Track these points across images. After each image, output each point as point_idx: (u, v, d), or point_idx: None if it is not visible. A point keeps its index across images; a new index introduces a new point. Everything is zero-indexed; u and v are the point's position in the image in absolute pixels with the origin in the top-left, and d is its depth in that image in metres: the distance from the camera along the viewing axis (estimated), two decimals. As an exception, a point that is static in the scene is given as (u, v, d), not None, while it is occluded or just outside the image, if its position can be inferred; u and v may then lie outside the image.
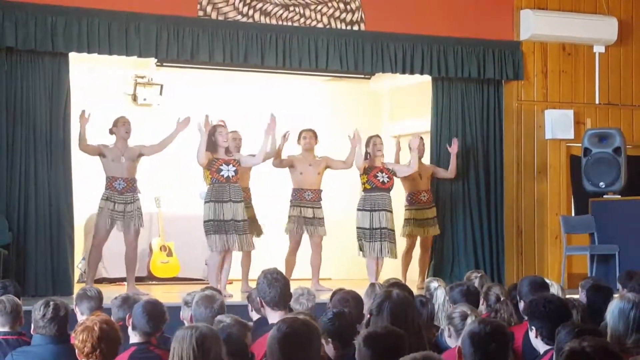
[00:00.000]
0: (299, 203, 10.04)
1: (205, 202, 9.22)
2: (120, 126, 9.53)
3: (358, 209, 9.99)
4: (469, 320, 4.83)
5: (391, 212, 9.95)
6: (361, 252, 9.97)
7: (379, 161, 10.04)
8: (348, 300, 5.54)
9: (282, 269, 5.86)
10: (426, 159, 11.09)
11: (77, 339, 4.41)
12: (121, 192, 9.42)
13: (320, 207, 10.08)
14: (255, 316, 6.04)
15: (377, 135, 10.26)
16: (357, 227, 9.97)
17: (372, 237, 9.84)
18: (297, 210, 10.01)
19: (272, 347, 3.34)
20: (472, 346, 3.50)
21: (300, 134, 10.19)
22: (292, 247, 10.05)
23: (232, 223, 9.13)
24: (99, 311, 5.38)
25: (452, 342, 4.94)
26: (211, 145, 9.28)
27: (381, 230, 9.85)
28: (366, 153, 10.07)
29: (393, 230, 9.94)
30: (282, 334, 3.35)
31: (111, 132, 9.56)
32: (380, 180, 9.92)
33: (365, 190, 10.00)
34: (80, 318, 5.40)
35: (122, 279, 10.55)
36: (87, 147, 9.40)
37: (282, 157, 9.99)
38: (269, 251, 10.04)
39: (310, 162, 10.11)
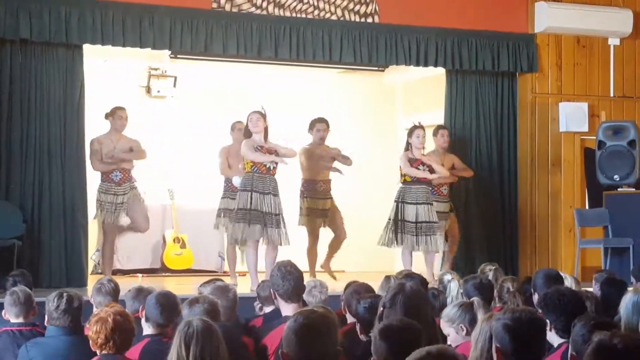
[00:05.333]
0: (311, 195, 10.05)
1: (242, 190, 8.91)
2: (117, 119, 9.59)
3: (397, 201, 9.67)
4: (475, 307, 4.79)
5: (432, 204, 9.69)
6: (386, 244, 9.68)
7: (419, 153, 9.74)
8: (360, 292, 5.53)
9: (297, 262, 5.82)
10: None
11: (91, 329, 4.43)
12: (119, 183, 9.54)
13: (330, 198, 10.09)
14: (267, 308, 6.04)
15: (421, 127, 9.77)
16: (393, 219, 9.63)
17: (410, 230, 9.56)
18: (308, 202, 10.02)
19: (288, 338, 3.35)
20: (512, 339, 3.46)
21: (313, 125, 10.15)
22: (312, 241, 10.06)
23: (269, 216, 8.80)
24: (114, 303, 5.38)
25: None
26: (247, 132, 9.08)
27: (422, 224, 9.56)
28: (407, 144, 9.81)
29: (436, 222, 9.64)
30: (299, 325, 3.35)
31: (107, 118, 9.62)
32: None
33: (405, 182, 9.70)
34: (97, 310, 5.41)
35: (136, 271, 10.60)
36: (102, 168, 9.55)
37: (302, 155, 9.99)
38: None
39: (321, 154, 10.09)
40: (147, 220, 9.82)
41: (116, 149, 9.52)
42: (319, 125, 10.14)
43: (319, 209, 10.07)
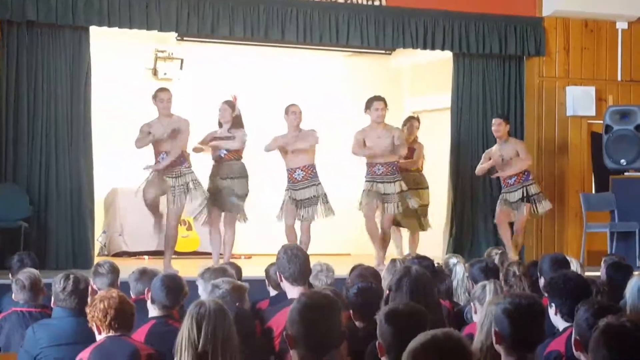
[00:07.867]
0: (369, 178, 9.57)
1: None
2: (159, 102, 9.10)
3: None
4: (487, 288, 4.83)
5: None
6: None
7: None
8: (366, 276, 5.54)
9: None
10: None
11: (96, 308, 4.39)
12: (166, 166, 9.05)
13: (392, 182, 9.51)
14: (272, 292, 6.05)
15: (412, 117, 10.17)
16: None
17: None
18: (366, 185, 9.55)
19: (292, 319, 3.35)
20: (511, 324, 3.47)
21: (371, 103, 9.54)
22: (369, 218, 9.57)
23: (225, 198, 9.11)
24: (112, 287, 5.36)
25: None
26: (219, 122, 9.35)
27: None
28: None
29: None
30: (302, 305, 3.35)
31: (153, 101, 9.20)
32: None
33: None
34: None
35: (142, 253, 10.60)
36: (143, 143, 9.12)
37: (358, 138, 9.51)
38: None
39: (379, 134, 9.53)
40: (177, 216, 9.22)
41: (166, 133, 8.96)
42: (377, 103, 9.49)
43: (379, 192, 9.45)
